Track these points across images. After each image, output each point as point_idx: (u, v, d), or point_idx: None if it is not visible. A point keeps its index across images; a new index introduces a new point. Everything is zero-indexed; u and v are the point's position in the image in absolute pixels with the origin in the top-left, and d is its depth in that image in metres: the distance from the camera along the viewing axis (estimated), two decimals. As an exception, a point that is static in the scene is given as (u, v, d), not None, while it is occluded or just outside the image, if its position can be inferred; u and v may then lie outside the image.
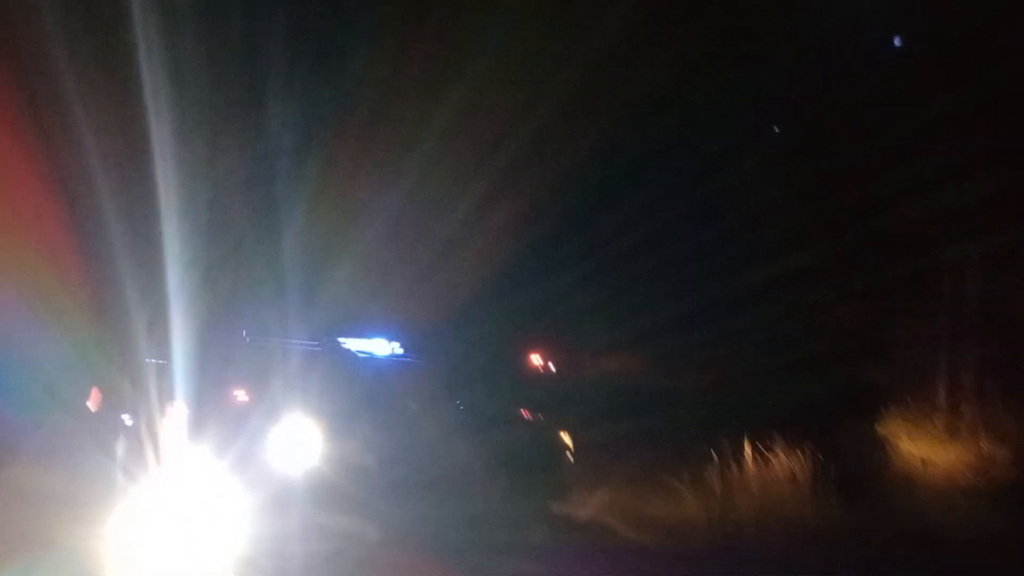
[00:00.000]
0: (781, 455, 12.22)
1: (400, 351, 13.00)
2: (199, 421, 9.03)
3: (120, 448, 8.00)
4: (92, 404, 8.65)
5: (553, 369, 15.20)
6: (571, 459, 12.04)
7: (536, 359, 15.14)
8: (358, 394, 11.25)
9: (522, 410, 12.92)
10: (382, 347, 12.98)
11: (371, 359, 12.83)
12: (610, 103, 13.84)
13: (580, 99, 13.48)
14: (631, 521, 11.55)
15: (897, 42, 13.07)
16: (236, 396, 11.33)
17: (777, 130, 13.98)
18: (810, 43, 12.68)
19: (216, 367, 10.19)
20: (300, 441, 9.39)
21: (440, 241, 13.61)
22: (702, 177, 13.89)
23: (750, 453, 12.29)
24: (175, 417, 8.69)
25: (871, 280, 13.29)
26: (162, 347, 9.39)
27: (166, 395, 8.99)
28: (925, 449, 12.19)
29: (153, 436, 7.98)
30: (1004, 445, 11.68)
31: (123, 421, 8.93)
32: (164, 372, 9.20)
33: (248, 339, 11.05)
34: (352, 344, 12.58)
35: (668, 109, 13.97)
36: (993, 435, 11.88)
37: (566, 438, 12.15)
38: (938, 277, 12.89)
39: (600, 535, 11.14)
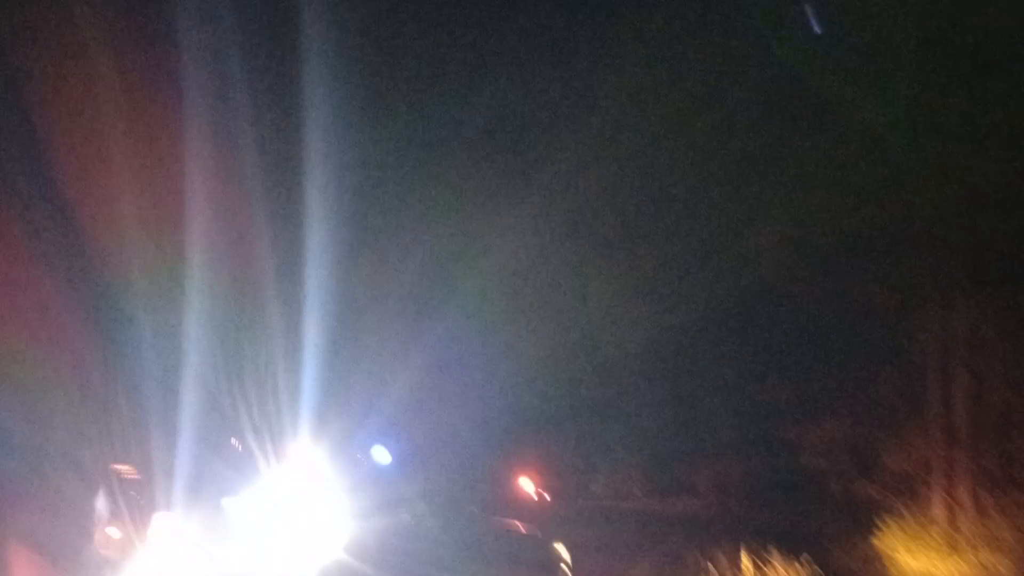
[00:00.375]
0: (779, 568, 12.05)
1: (389, 459, 12.91)
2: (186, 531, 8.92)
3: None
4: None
5: (546, 495, 15.05)
6: (568, 573, 11.81)
7: (528, 480, 15.01)
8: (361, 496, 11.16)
9: (517, 523, 12.75)
10: (382, 455, 12.92)
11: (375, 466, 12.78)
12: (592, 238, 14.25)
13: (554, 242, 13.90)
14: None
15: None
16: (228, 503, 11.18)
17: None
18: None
19: (207, 477, 10.07)
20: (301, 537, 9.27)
21: (439, 360, 13.72)
22: (686, 294, 14.17)
23: (748, 566, 12.13)
24: (161, 527, 8.55)
25: (863, 395, 13.44)
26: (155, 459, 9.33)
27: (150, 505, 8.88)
28: (924, 562, 12.04)
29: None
30: (1003, 556, 11.57)
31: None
32: (148, 484, 9.12)
33: (239, 447, 10.97)
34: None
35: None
36: (992, 546, 11.77)
37: (562, 551, 11.95)
38: (929, 390, 13.01)
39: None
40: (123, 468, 9.50)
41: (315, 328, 10.80)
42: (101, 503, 6.13)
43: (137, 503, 9.24)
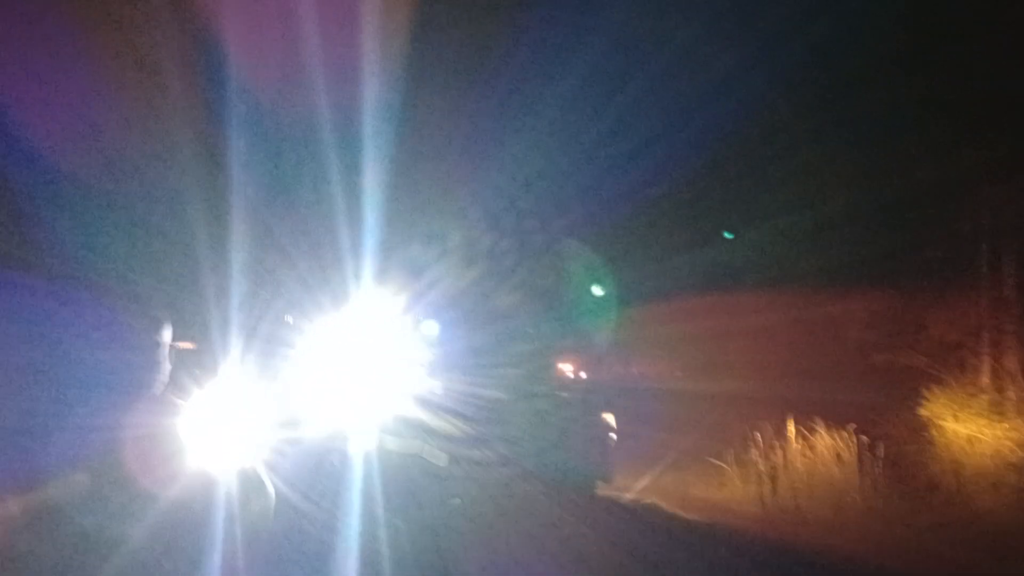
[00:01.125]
0: (824, 437, 12.13)
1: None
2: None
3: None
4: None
5: (583, 374, 15.03)
6: (614, 441, 11.88)
7: (566, 364, 14.99)
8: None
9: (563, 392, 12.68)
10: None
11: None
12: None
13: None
14: (678, 501, 11.53)
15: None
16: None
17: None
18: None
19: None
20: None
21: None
22: (723, 176, 13.96)
23: (793, 435, 12.21)
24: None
25: (908, 264, 13.29)
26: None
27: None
28: (971, 428, 12.07)
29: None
30: (1052, 420, 11.60)
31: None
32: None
33: (292, 321, 10.84)
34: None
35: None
36: (1041, 412, 11.79)
37: (610, 419, 12.01)
38: (977, 257, 12.88)
39: (648, 512, 11.12)
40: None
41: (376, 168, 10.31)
42: (165, 339, 5.90)
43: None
